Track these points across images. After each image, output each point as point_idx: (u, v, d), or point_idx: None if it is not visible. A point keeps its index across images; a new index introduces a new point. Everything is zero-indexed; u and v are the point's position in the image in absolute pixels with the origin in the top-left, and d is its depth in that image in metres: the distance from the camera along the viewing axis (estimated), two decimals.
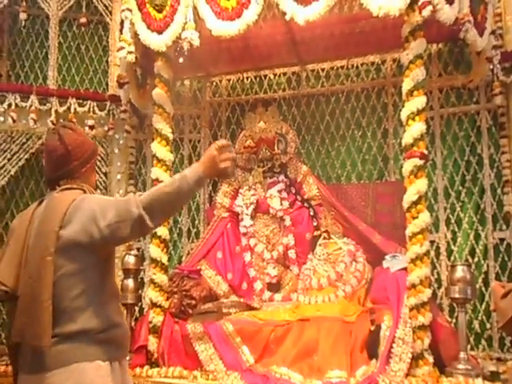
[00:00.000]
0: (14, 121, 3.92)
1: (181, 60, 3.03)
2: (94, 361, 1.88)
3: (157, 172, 3.33)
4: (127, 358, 2.13)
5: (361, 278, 3.54)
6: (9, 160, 3.96)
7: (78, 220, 1.91)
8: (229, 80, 4.52)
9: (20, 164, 3.99)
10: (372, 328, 2.99)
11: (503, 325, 1.89)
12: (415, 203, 2.85)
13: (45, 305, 1.84)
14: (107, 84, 4.33)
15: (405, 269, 2.98)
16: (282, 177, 4.01)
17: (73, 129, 2.18)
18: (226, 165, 1.94)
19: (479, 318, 3.65)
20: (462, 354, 2.84)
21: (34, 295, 1.87)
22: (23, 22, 4.16)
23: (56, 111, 4.00)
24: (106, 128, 4.14)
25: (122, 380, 2.01)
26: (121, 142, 4.25)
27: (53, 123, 3.90)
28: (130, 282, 3.41)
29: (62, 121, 3.95)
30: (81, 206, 1.94)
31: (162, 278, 3.30)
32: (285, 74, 4.41)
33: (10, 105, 3.93)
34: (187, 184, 1.90)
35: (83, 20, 4.13)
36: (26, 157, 3.97)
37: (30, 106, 3.95)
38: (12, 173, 3.99)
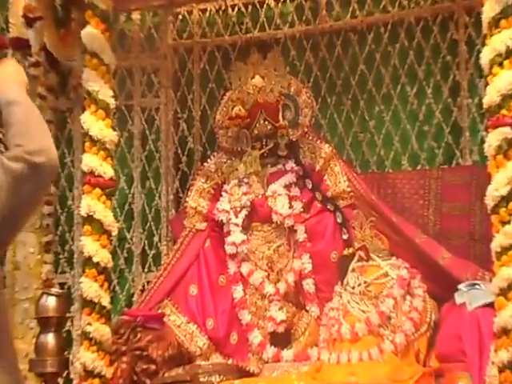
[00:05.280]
0: None
1: None
2: None
3: (91, 160, 3.37)
4: None
5: (420, 322, 3.52)
6: None
7: None
8: (203, 11, 4.56)
9: None
10: None
11: None
12: (506, 199, 2.85)
13: None
14: (7, 22, 4.33)
15: (490, 305, 2.99)
16: (290, 163, 4.01)
17: None
18: None
19: None
20: None
21: None
22: None
23: None
24: None
25: None
26: None
27: None
28: (50, 339, 3.42)
29: None
30: None
31: (101, 329, 3.32)
32: None
33: None
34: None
35: None
36: None
37: None
38: None
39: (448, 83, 4.20)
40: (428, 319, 3.55)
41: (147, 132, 4.52)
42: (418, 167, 4.16)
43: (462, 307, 3.29)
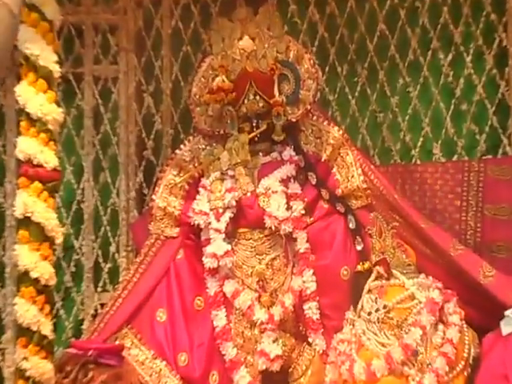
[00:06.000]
0: None
1: None
2: None
3: (28, 145, 3.38)
4: None
5: (455, 358, 3.50)
6: None
7: None
8: None
9: None
10: None
11: None
12: None
13: None
14: None
15: None
16: (288, 152, 3.99)
17: None
18: None
19: None
20: None
21: None
22: None
23: None
24: None
25: None
26: None
27: None
28: None
29: None
30: None
31: (41, 366, 3.32)
32: None
33: None
34: None
35: None
36: None
37: None
38: None
39: (492, 49, 4.22)
40: (466, 354, 3.53)
41: (102, 109, 4.52)
42: (454, 158, 4.19)
43: (509, 339, 3.32)
